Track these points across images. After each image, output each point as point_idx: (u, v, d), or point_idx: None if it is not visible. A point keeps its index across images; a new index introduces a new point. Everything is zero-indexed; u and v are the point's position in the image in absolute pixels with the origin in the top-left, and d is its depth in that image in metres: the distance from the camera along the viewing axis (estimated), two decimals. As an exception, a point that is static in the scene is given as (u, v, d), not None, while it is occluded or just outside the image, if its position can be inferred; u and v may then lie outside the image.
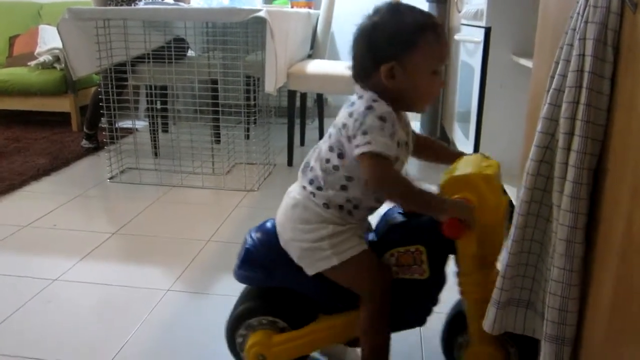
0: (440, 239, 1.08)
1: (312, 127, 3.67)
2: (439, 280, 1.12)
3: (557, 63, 0.87)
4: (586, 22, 0.79)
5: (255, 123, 3.40)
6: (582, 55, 0.80)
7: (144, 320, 1.49)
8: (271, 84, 2.36)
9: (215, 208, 2.35)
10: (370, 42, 1.04)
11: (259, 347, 1.16)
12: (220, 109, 2.79)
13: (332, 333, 1.15)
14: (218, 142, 3.00)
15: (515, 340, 1.10)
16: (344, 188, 1.06)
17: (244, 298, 1.20)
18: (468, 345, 1.15)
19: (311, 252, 1.08)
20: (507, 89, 1.91)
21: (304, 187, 1.10)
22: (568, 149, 0.83)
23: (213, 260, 1.85)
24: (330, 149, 1.06)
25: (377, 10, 1.05)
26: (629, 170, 0.74)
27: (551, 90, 0.86)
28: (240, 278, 1.18)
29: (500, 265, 0.97)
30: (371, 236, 1.16)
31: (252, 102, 2.90)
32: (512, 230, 0.94)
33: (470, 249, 1.05)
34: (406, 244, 1.10)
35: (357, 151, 1.00)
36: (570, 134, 0.82)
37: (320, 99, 3.46)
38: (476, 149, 1.98)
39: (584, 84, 0.80)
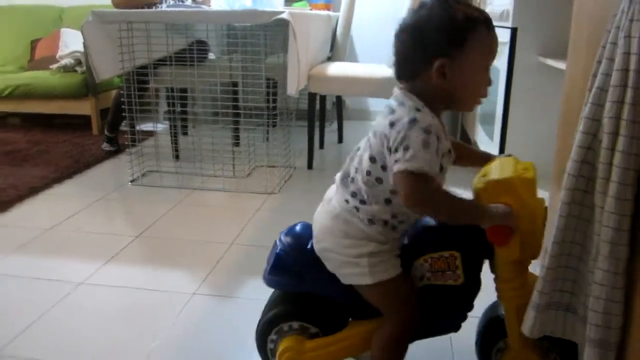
0: (475, 244, 1.06)
1: (330, 129, 3.66)
2: (474, 286, 1.10)
3: (599, 62, 0.85)
4: (631, 20, 0.77)
5: (274, 126, 3.41)
6: (627, 54, 0.78)
7: (170, 324, 1.49)
8: (293, 86, 2.36)
9: (237, 211, 2.35)
10: (419, 38, 0.98)
11: (292, 352, 1.14)
12: (241, 111, 2.80)
13: (365, 339, 1.13)
14: (237, 144, 3.01)
15: (556, 344, 1.07)
16: (388, 202, 1.02)
17: (274, 302, 1.19)
18: (507, 351, 1.12)
19: (348, 266, 1.06)
20: (533, 90, 1.89)
21: (347, 201, 1.06)
22: (612, 149, 0.81)
23: (237, 263, 1.84)
24: (372, 159, 1.02)
25: (424, 4, 0.99)
26: (679, 171, 0.72)
27: (594, 90, 0.84)
28: (271, 283, 1.16)
29: (538, 268, 0.96)
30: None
31: (272, 105, 2.91)
32: (553, 232, 0.92)
33: (513, 255, 1.02)
34: (440, 250, 1.07)
35: (397, 167, 0.95)
36: (615, 134, 0.80)
37: (339, 102, 3.46)
38: (501, 151, 1.96)
39: (630, 83, 0.78)
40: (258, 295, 1.60)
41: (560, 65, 1.64)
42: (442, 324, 1.14)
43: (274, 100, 3.35)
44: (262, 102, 2.82)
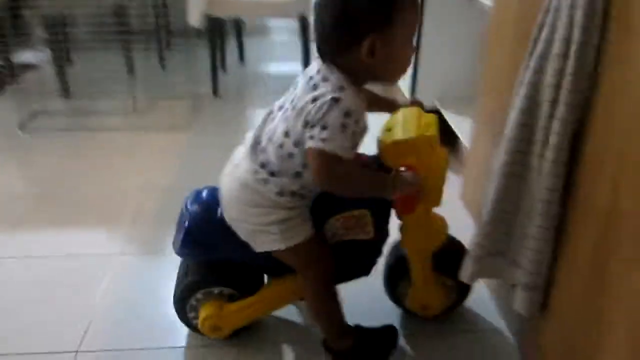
0: (383, 200, 1.08)
1: (229, 49, 3.47)
2: (383, 236, 1.15)
3: (540, 26, 0.86)
4: (576, -9, 0.77)
5: (168, 47, 3.17)
6: (570, 24, 0.79)
7: (99, 291, 1.41)
8: (195, 14, 2.18)
9: (145, 152, 2.22)
10: (343, 16, 0.91)
11: (213, 319, 1.15)
12: (128, 37, 2.56)
13: (285, 294, 1.17)
14: (131, 72, 2.77)
15: (452, 275, 1.15)
16: (298, 175, 1.01)
17: (188, 270, 1.18)
18: (413, 286, 1.21)
19: (259, 234, 1.05)
20: (443, 27, 1.89)
21: (256, 171, 1.02)
22: (551, 116, 0.84)
23: (157, 213, 1.77)
24: (286, 134, 0.98)
25: None
26: (615, 136, 0.77)
27: (535, 57, 0.86)
28: (184, 255, 1.15)
29: (479, 221, 1.01)
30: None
31: (164, 25, 2.69)
32: (492, 190, 0.96)
33: (417, 218, 1.08)
34: (351, 209, 1.09)
35: (311, 143, 0.93)
36: (555, 101, 0.83)
37: (237, 21, 3.26)
38: (413, 84, 1.97)
39: (571, 54, 0.80)
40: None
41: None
42: (355, 272, 1.19)
43: (166, 21, 3.10)
44: (153, 22, 2.59)
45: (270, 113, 1.05)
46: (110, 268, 1.50)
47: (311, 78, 0.96)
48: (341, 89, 0.93)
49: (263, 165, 1.01)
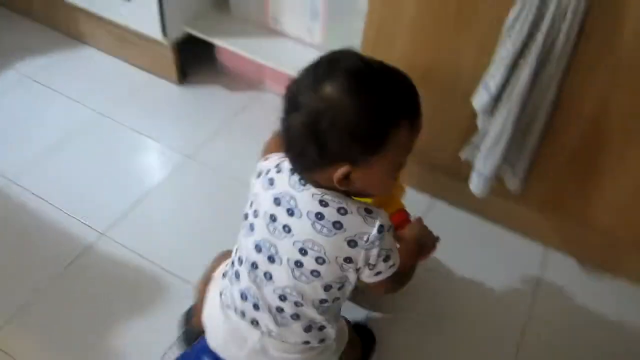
0: None
1: None
2: None
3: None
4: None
5: None
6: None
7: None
8: None
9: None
10: (318, 134, 0.72)
11: None
12: None
13: None
14: None
15: None
16: (339, 309, 0.95)
17: None
18: None
19: None
20: None
21: (305, 342, 0.88)
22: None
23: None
24: (327, 287, 0.82)
25: (333, 79, 0.71)
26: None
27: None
28: None
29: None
30: None
31: None
32: (506, 115, 1.10)
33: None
34: None
35: (379, 278, 0.84)
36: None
37: None
38: (162, 14, 1.63)
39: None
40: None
41: None
42: None
43: None
44: None
45: (254, 269, 0.85)
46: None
47: (320, 216, 0.78)
48: (369, 212, 0.79)
49: (309, 329, 0.88)
